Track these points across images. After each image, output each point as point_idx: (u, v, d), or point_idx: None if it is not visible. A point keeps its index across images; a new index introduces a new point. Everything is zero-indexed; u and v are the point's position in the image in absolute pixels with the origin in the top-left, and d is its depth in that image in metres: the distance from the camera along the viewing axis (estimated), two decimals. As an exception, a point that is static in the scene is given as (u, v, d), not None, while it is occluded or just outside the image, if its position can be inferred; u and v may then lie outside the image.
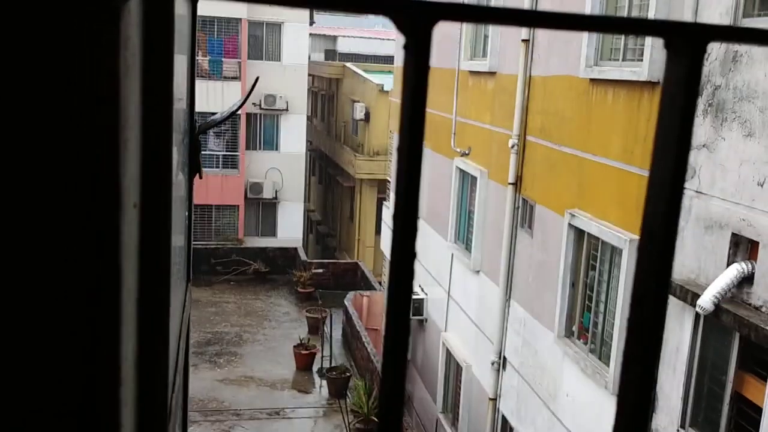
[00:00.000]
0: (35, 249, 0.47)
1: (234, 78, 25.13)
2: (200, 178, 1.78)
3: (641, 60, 7.47)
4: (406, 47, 0.53)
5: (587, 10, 8.36)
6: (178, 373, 1.25)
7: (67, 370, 0.50)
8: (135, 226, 0.60)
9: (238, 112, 24.96)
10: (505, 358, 10.73)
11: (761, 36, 0.55)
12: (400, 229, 0.49)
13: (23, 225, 0.48)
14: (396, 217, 0.52)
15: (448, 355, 13.02)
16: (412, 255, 0.51)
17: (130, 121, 0.54)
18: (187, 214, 1.71)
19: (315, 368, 17.40)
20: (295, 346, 17.58)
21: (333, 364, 16.92)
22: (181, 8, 1.35)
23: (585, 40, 8.42)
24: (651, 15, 7.18)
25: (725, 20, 6.24)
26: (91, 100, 0.46)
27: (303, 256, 24.50)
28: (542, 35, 9.74)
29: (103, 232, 0.48)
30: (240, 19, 25.08)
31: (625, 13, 7.95)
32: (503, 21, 0.51)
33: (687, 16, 6.66)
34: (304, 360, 17.36)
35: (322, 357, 17.22)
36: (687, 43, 0.53)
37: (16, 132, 0.47)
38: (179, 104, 1.46)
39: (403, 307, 0.51)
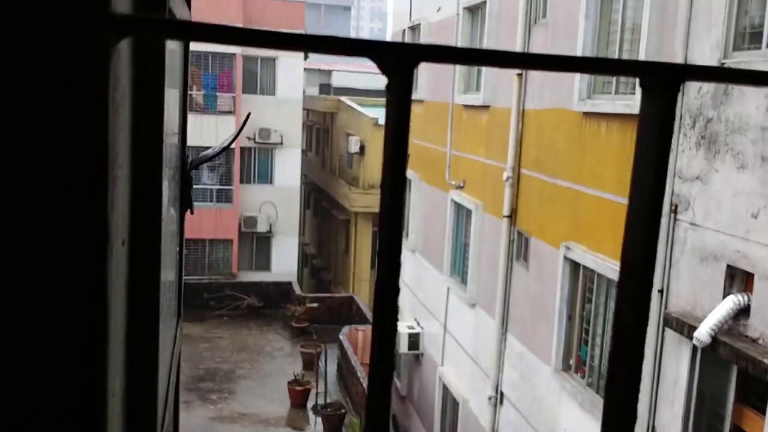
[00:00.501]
0: (19, 284, 0.48)
1: (228, 112, 25.28)
2: (191, 213, 1.78)
3: (633, 93, 7.55)
4: (388, 88, 0.54)
5: (579, 44, 8.49)
6: (167, 410, 1.24)
7: (53, 404, 0.49)
8: (124, 262, 0.60)
9: (232, 146, 25.07)
10: (502, 393, 10.64)
11: (735, 75, 0.56)
12: (385, 265, 0.49)
13: (7, 261, 0.48)
14: (380, 254, 0.52)
15: (445, 389, 12.90)
16: (396, 291, 0.52)
17: (120, 159, 0.55)
18: (178, 249, 1.71)
19: (310, 405, 17.20)
20: (289, 382, 17.39)
21: (328, 401, 16.73)
22: (172, 43, 1.37)
23: (578, 74, 8.53)
24: (642, 48, 7.28)
25: (716, 54, 6.33)
26: (80, 140, 0.46)
27: (297, 290, 24.39)
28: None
29: (91, 269, 0.48)
30: (234, 54, 25.33)
31: (616, 47, 8.06)
32: (481, 62, 0.52)
33: (677, 50, 6.76)
34: (299, 396, 17.16)
35: (317, 393, 17.03)
36: (661, 82, 0.54)
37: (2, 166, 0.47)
38: (171, 139, 1.47)
39: (389, 344, 0.52)
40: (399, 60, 0.52)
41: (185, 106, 1.79)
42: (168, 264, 1.37)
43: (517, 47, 10.05)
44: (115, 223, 0.52)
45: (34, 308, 0.49)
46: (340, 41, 0.50)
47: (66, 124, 0.46)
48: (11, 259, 0.48)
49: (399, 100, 0.53)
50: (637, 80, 0.59)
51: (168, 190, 1.41)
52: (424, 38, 14.41)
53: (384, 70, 0.53)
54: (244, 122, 3.13)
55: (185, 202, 1.69)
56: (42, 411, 0.49)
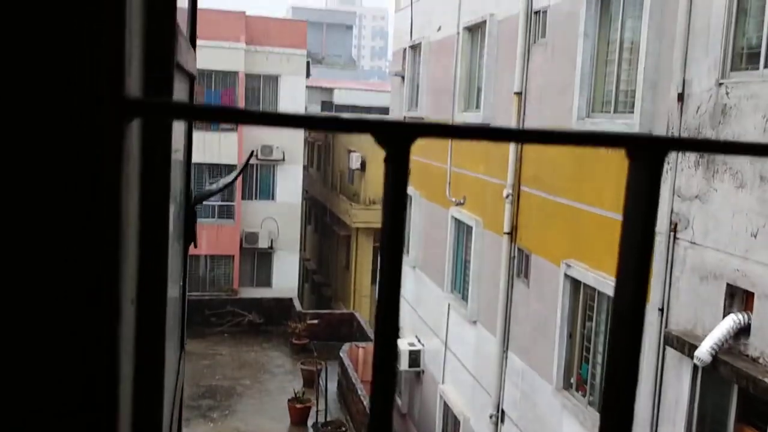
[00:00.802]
0: (25, 359, 0.50)
1: (231, 130, 25.38)
2: (195, 247, 1.81)
3: (632, 112, 7.60)
4: (386, 160, 0.56)
5: (578, 63, 8.54)
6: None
7: None
8: (131, 321, 0.62)
9: (234, 162, 25.14)
10: (503, 411, 10.61)
11: (717, 146, 0.59)
12: (380, 346, 0.52)
13: (20, 331, 0.50)
14: (376, 333, 0.55)
15: (446, 407, 12.86)
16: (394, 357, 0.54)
17: (130, 224, 0.58)
18: (181, 283, 1.73)
19: (310, 423, 17.11)
20: (289, 400, 17.32)
21: (328, 419, 16.66)
22: (178, 88, 1.40)
23: (577, 91, 8.58)
24: (641, 68, 7.33)
25: (713, 74, 6.38)
26: (95, 213, 0.49)
27: (298, 306, 24.35)
28: (534, 87, 9.92)
29: (103, 333, 0.51)
30: (237, 72, 25.47)
31: (615, 66, 8.11)
32: (476, 137, 0.55)
33: (676, 69, 6.81)
34: (299, 414, 17.09)
35: (317, 411, 16.96)
36: (646, 154, 0.57)
37: (18, 235, 0.50)
38: (177, 176, 1.50)
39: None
40: (397, 137, 0.54)
41: (191, 138, 1.82)
42: (171, 299, 1.39)
43: (517, 67, 10.12)
44: (124, 287, 0.55)
45: (49, 376, 0.51)
46: (342, 121, 0.53)
47: (83, 201, 0.48)
48: (20, 332, 0.50)
49: (396, 173, 0.55)
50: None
51: (173, 226, 1.43)
52: (425, 57, 14.50)
53: (383, 144, 0.55)
54: (248, 159, 3.17)
55: (189, 237, 1.72)
56: None
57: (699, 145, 0.61)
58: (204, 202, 27.45)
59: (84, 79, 0.48)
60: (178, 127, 1.50)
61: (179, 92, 1.29)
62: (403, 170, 0.56)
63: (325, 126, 0.53)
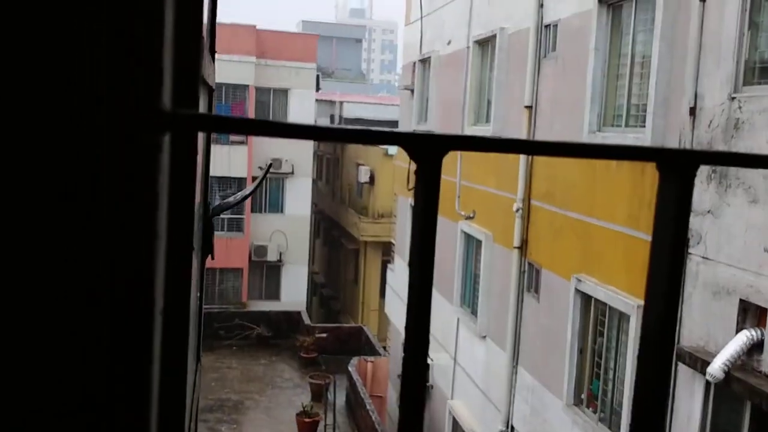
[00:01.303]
0: (66, 371, 0.50)
1: (241, 143, 25.51)
2: (212, 259, 1.81)
3: (644, 126, 7.58)
4: (416, 173, 0.56)
5: (588, 77, 8.54)
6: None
7: None
8: (159, 330, 0.62)
9: (244, 175, 25.22)
10: (513, 427, 10.53)
11: (748, 160, 0.59)
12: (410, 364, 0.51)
13: (58, 341, 0.50)
14: (406, 353, 0.55)
15: (455, 423, 12.77)
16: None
17: (161, 239, 0.58)
18: (199, 294, 1.73)
19: (319, 436, 17.05)
20: (297, 414, 17.26)
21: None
22: (203, 101, 1.40)
23: (588, 105, 8.58)
24: (652, 82, 7.32)
25: (726, 88, 6.36)
26: (132, 223, 0.50)
27: (306, 320, 24.33)
28: (545, 101, 9.92)
29: (137, 341, 0.51)
30: (247, 85, 25.62)
31: (626, 80, 8.11)
32: (507, 149, 0.55)
33: (687, 84, 6.80)
34: (307, 428, 17.03)
35: (326, 425, 16.89)
36: (677, 167, 0.57)
37: (55, 247, 0.50)
38: (197, 190, 1.51)
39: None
40: (428, 149, 0.54)
41: (209, 151, 1.83)
42: (192, 314, 1.39)
43: (527, 81, 10.13)
44: (157, 296, 0.55)
45: (85, 384, 0.51)
46: (374, 133, 0.53)
47: (121, 213, 0.49)
48: (67, 334, 0.50)
49: (427, 186, 0.55)
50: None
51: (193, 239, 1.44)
52: (434, 70, 14.55)
53: (413, 157, 0.55)
54: (266, 171, 3.20)
55: (207, 249, 1.72)
56: None
57: (729, 159, 0.61)
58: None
59: (124, 91, 0.49)
60: (198, 140, 1.51)
61: (201, 105, 1.30)
62: (435, 183, 0.55)
63: (356, 139, 0.53)
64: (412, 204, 0.55)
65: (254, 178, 26.05)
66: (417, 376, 0.49)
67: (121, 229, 0.49)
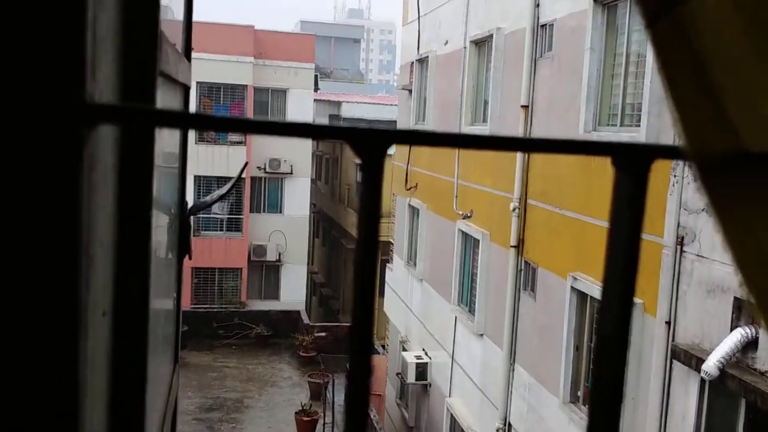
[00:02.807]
0: None
1: (239, 143, 25.48)
2: (189, 259, 1.80)
3: (639, 125, 7.58)
4: (361, 168, 0.56)
5: (584, 76, 8.53)
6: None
7: None
8: (105, 331, 0.61)
9: (243, 175, 25.22)
10: (510, 425, 10.53)
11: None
12: (356, 354, 0.50)
13: None
14: (351, 338, 0.54)
15: (453, 420, 12.77)
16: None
17: (100, 235, 0.56)
18: (175, 295, 1.72)
19: (317, 435, 17.05)
20: (296, 413, 17.27)
21: (335, 431, 16.60)
22: (170, 98, 1.39)
23: (583, 105, 8.57)
24: (647, 80, 7.32)
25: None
26: (49, 223, 0.48)
27: (306, 319, 24.32)
28: (541, 101, 9.91)
29: (63, 346, 0.49)
30: (246, 85, 25.59)
31: (621, 80, 8.10)
32: (451, 144, 0.54)
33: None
34: (306, 427, 17.03)
35: (324, 423, 16.90)
36: (632, 162, 0.56)
37: None
38: (170, 186, 1.50)
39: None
40: (372, 144, 0.53)
41: (185, 148, 1.82)
42: (163, 311, 1.38)
43: (524, 80, 10.12)
44: (93, 299, 0.53)
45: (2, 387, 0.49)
46: (316, 128, 0.52)
47: (37, 209, 0.47)
48: None
49: (371, 180, 0.54)
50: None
51: (166, 237, 1.43)
52: (432, 70, 14.54)
53: (358, 152, 0.55)
54: (241, 170, 3.18)
55: (184, 249, 1.71)
56: None
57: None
58: (212, 215, 27.47)
59: (40, 82, 0.47)
60: (172, 139, 1.50)
61: (169, 102, 1.29)
62: (378, 178, 0.55)
63: (298, 133, 0.52)
64: (359, 198, 0.55)
65: (253, 178, 26.04)
66: (363, 362, 0.48)
67: (42, 225, 0.48)
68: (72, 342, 0.48)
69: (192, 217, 2.01)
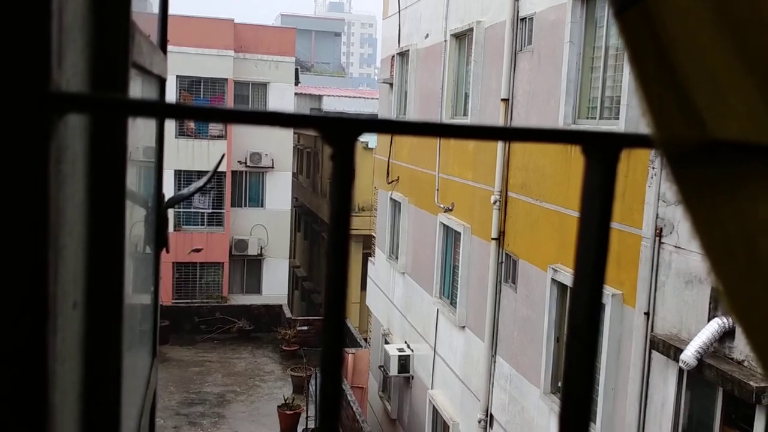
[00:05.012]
0: None
1: (219, 137, 25.34)
2: (167, 252, 1.79)
3: (618, 118, 7.63)
4: (332, 157, 0.56)
5: (564, 69, 8.58)
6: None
7: None
8: (76, 324, 0.61)
9: (224, 170, 25.08)
10: (491, 416, 10.60)
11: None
12: (329, 338, 0.51)
13: None
14: (325, 323, 0.54)
15: (435, 412, 12.84)
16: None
17: (69, 225, 0.56)
18: (153, 288, 1.71)
19: (300, 429, 17.05)
20: (279, 406, 17.26)
21: (318, 425, 16.60)
22: (147, 91, 1.38)
23: (563, 98, 8.62)
24: (626, 73, 7.37)
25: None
26: (15, 214, 0.48)
27: (288, 313, 24.29)
28: (521, 94, 9.95)
29: (28, 336, 0.49)
30: (226, 79, 25.44)
31: (600, 72, 8.15)
32: (421, 133, 0.54)
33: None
34: (289, 420, 17.03)
35: (307, 417, 16.91)
36: (602, 150, 0.56)
37: None
38: (147, 179, 1.49)
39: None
40: (341, 132, 0.53)
41: (162, 140, 1.80)
42: (140, 304, 1.37)
43: (504, 74, 10.16)
44: (63, 289, 0.53)
45: None
46: (285, 116, 0.52)
47: (3, 201, 0.47)
48: None
49: (342, 168, 0.54)
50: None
51: (143, 230, 1.42)
52: (413, 64, 14.53)
53: (328, 141, 0.55)
54: (218, 163, 3.16)
55: (161, 242, 1.70)
56: None
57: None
58: (193, 210, 27.25)
59: (3, 71, 0.47)
60: (148, 131, 1.49)
61: (145, 94, 1.28)
62: (349, 167, 0.55)
63: (268, 121, 0.52)
64: (330, 188, 0.55)
65: (234, 172, 25.91)
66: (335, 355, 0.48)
67: (6, 217, 0.47)
68: (39, 334, 0.48)
69: (171, 211, 2.00)
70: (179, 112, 0.47)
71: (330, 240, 0.55)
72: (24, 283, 0.48)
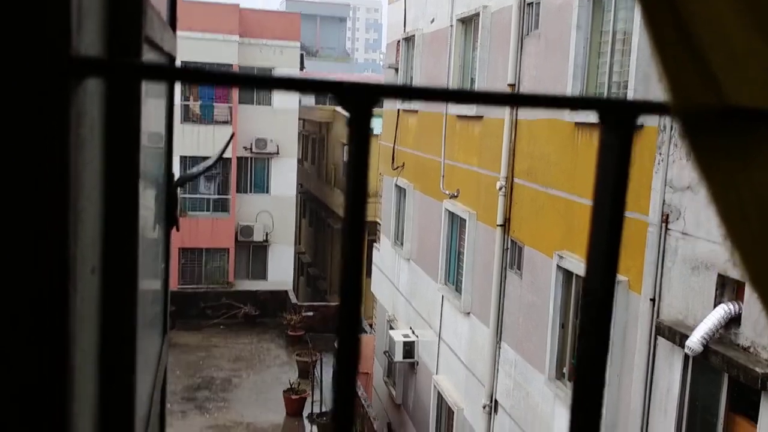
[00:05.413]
0: None
1: (225, 122, 25.32)
2: (177, 230, 1.80)
3: (624, 103, 7.58)
4: (349, 123, 0.56)
5: (571, 54, 8.53)
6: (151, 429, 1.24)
7: None
8: (94, 289, 0.61)
9: (229, 156, 25.08)
10: (496, 401, 10.64)
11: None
12: (346, 292, 0.51)
13: None
14: (342, 285, 0.54)
15: (440, 398, 12.89)
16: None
17: (87, 190, 0.56)
18: (164, 265, 1.72)
19: (305, 413, 17.16)
20: (285, 391, 17.36)
21: (324, 409, 16.71)
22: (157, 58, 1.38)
23: (570, 82, 8.57)
24: (633, 58, 7.32)
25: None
26: (36, 179, 0.48)
27: (293, 298, 24.37)
28: (528, 79, 9.91)
29: (51, 300, 0.50)
30: (231, 64, 25.38)
31: (608, 57, 8.11)
32: (435, 99, 0.54)
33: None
34: (295, 405, 17.13)
35: (313, 401, 17.00)
36: (618, 117, 0.56)
37: None
38: (156, 159, 1.49)
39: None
40: (359, 98, 0.53)
41: (171, 121, 1.81)
42: (153, 281, 1.38)
43: (510, 58, 10.11)
44: (81, 253, 0.53)
45: None
46: (304, 82, 0.52)
47: (25, 163, 0.47)
48: None
49: (359, 135, 0.55)
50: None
51: (153, 208, 1.42)
52: (418, 49, 14.47)
53: (345, 106, 0.55)
54: (228, 141, 3.16)
55: (171, 220, 1.71)
56: None
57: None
58: (199, 196, 27.28)
59: (26, 35, 0.47)
60: (158, 111, 1.49)
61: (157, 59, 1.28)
62: (366, 133, 0.55)
63: (284, 86, 0.52)
64: (346, 157, 0.54)
65: (239, 158, 25.92)
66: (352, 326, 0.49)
67: (29, 176, 0.48)
68: (61, 291, 0.49)
69: (179, 194, 2.00)
70: (195, 76, 0.47)
71: (347, 207, 0.55)
72: (46, 241, 0.48)
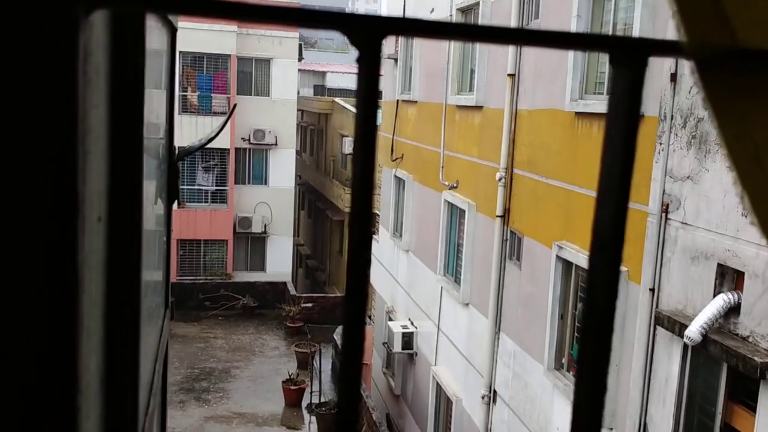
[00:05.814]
0: None
1: (223, 113, 25.25)
2: (179, 205, 1.80)
3: (624, 93, 7.57)
4: (358, 60, 0.54)
5: (571, 52, 8.49)
6: (153, 396, 1.24)
7: (19, 388, 0.49)
8: (100, 239, 0.61)
9: (227, 147, 25.03)
10: (495, 392, 10.66)
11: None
12: (356, 233, 0.50)
13: None
14: (351, 225, 0.53)
15: (438, 389, 12.91)
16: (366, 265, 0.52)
17: (93, 133, 0.55)
18: (165, 239, 1.72)
19: (304, 404, 17.19)
20: (284, 382, 17.39)
21: (323, 400, 16.74)
22: (157, 39, 1.37)
23: (570, 74, 8.56)
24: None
25: (705, 54, 6.35)
26: (45, 112, 0.47)
27: (292, 290, 24.38)
28: (528, 70, 9.89)
29: (60, 240, 0.49)
30: (229, 55, 25.32)
31: (607, 58, 8.08)
32: (448, 35, 0.53)
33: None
34: (293, 396, 17.16)
35: (312, 392, 17.04)
36: (630, 56, 0.55)
37: None
38: (157, 131, 1.48)
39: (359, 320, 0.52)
40: (368, 33, 0.52)
41: (172, 98, 1.80)
42: (155, 254, 1.37)
43: (510, 49, 10.08)
44: (89, 198, 0.53)
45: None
46: (308, 13, 0.51)
47: (32, 95, 0.47)
48: None
49: (368, 72, 0.54)
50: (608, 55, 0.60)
51: (155, 180, 1.42)
52: (418, 40, 14.41)
53: (353, 42, 0.53)
54: (231, 112, 3.15)
55: (173, 193, 1.70)
56: (5, 393, 0.49)
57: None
58: (197, 187, 27.19)
59: None
60: (159, 96, 1.48)
61: (159, 41, 1.27)
62: (376, 70, 0.54)
63: (289, 20, 0.51)
64: (355, 94, 0.53)
65: (237, 149, 25.87)
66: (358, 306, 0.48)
67: (38, 109, 0.47)
68: (70, 227, 0.48)
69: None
70: (208, 7, 0.46)
71: (356, 152, 0.54)
72: (55, 175, 0.48)
